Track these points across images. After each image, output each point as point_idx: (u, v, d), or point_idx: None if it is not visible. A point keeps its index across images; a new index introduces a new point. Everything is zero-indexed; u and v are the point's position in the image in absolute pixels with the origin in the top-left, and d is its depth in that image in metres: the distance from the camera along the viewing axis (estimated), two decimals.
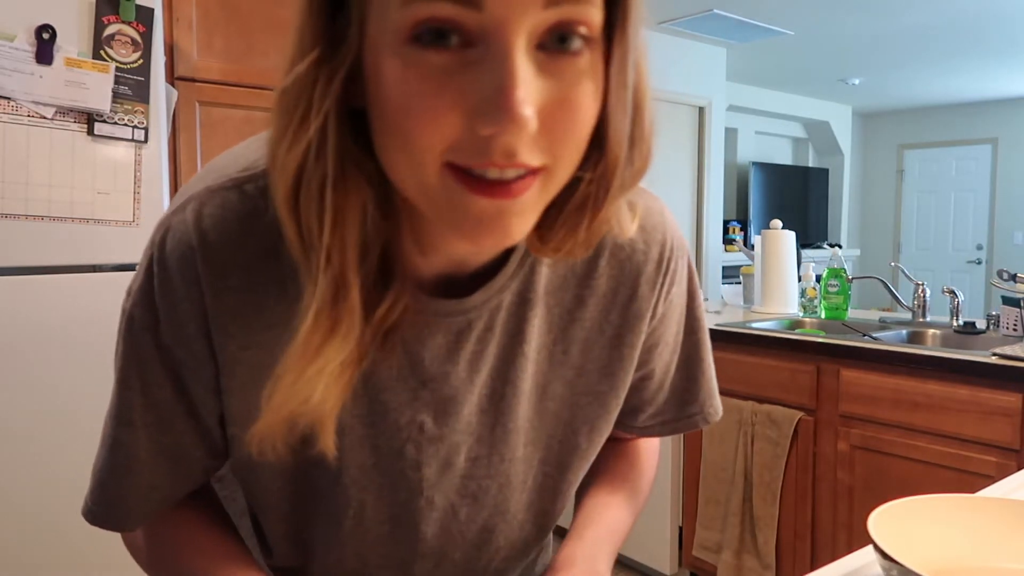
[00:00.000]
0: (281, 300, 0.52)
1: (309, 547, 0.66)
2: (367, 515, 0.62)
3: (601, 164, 0.47)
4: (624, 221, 0.55)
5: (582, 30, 0.42)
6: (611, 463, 0.76)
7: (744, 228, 6.69)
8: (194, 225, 0.53)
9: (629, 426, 0.74)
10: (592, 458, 0.69)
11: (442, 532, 0.65)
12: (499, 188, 0.42)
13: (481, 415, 0.61)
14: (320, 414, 0.48)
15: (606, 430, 0.68)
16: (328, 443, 0.50)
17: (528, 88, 0.41)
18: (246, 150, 0.55)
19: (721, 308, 3.03)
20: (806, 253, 3.56)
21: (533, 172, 0.43)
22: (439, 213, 0.45)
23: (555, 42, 0.42)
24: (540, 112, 0.42)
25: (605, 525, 0.71)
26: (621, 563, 2.85)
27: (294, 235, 0.46)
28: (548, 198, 0.46)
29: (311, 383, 0.47)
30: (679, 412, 0.73)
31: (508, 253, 0.57)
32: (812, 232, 7.32)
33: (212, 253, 0.52)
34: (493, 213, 0.43)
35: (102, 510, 0.62)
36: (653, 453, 0.81)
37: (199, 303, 0.54)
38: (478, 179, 0.42)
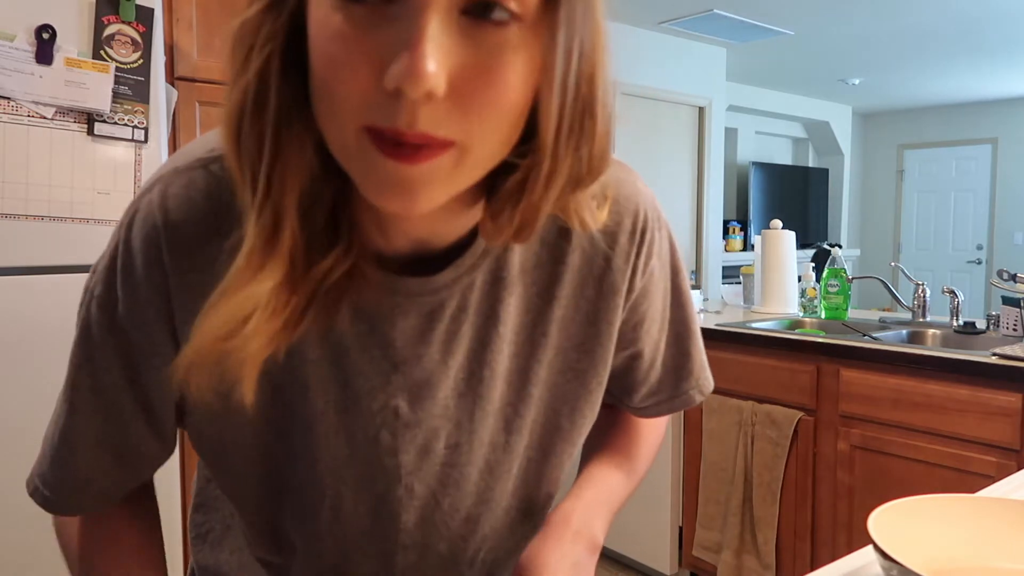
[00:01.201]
0: None
1: (288, 541, 0.64)
2: (345, 507, 0.61)
3: (533, 153, 0.46)
4: (586, 214, 0.53)
5: (511, 4, 0.41)
6: (613, 435, 0.76)
7: (744, 228, 6.69)
8: (159, 205, 0.53)
9: (626, 406, 0.74)
10: (577, 441, 0.68)
11: (424, 522, 0.63)
12: (404, 153, 0.42)
13: (459, 399, 0.60)
14: (243, 357, 0.47)
15: (589, 413, 0.67)
16: (247, 391, 0.48)
17: (437, 46, 0.40)
18: (215, 135, 0.54)
19: (721, 308, 3.03)
20: (806, 253, 3.55)
21: (442, 144, 0.42)
22: (355, 174, 0.45)
23: (479, 10, 0.41)
24: (454, 79, 0.41)
25: (605, 489, 0.71)
26: (621, 563, 2.85)
27: (238, 176, 0.47)
28: (467, 176, 0.45)
29: (234, 317, 0.46)
30: (675, 390, 0.73)
31: (476, 233, 0.56)
32: (812, 232, 7.32)
33: (176, 232, 0.53)
34: (399, 178, 0.43)
35: (37, 484, 0.63)
36: (655, 429, 0.80)
37: (162, 285, 0.54)
38: (388, 142, 0.42)
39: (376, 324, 0.56)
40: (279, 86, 0.44)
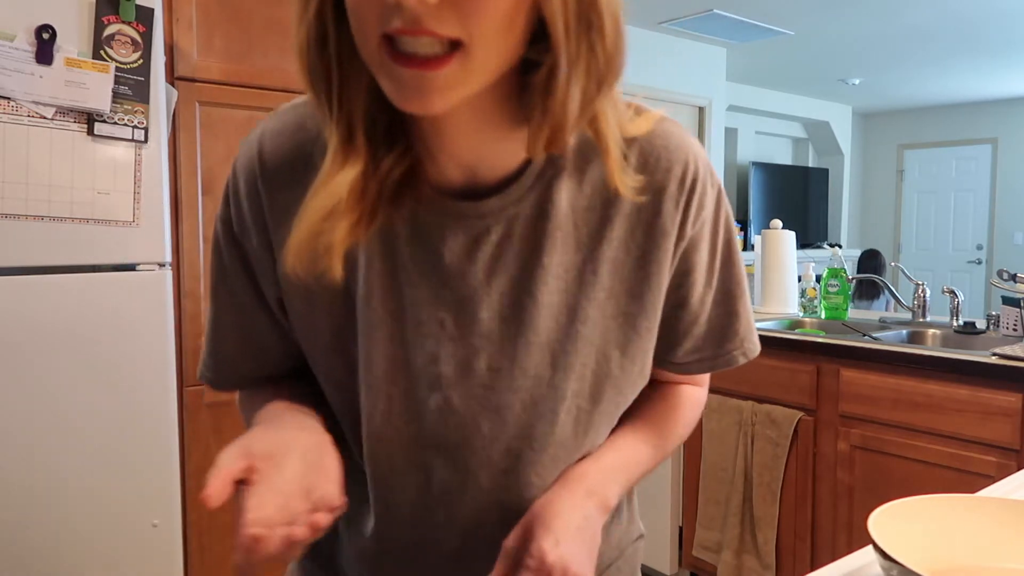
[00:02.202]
0: None
1: (349, 448, 0.70)
2: (394, 411, 0.65)
3: (548, 52, 0.51)
4: (621, 119, 0.59)
5: None
6: (649, 404, 0.76)
7: (744, 228, 6.70)
8: (257, 140, 0.66)
9: (667, 361, 0.73)
10: (628, 392, 0.69)
11: (465, 444, 0.65)
12: (417, 60, 0.49)
13: (501, 323, 0.63)
14: (330, 242, 0.56)
15: (640, 360, 0.68)
16: (336, 266, 0.57)
17: None
18: None
19: None
20: (806, 253, 3.55)
21: (449, 53, 0.49)
22: (382, 83, 0.52)
23: None
24: None
25: (627, 455, 0.71)
26: None
27: (314, 100, 0.56)
28: (477, 77, 0.51)
29: (324, 206, 0.56)
30: (718, 349, 0.73)
31: (526, 167, 0.62)
32: (812, 232, 7.32)
33: (267, 160, 0.64)
34: (415, 84, 0.50)
35: (202, 369, 0.76)
36: (695, 403, 0.79)
37: (258, 204, 0.65)
38: (403, 56, 0.49)
39: (428, 241, 0.62)
40: (335, 25, 0.53)
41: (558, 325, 0.64)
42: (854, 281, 4.84)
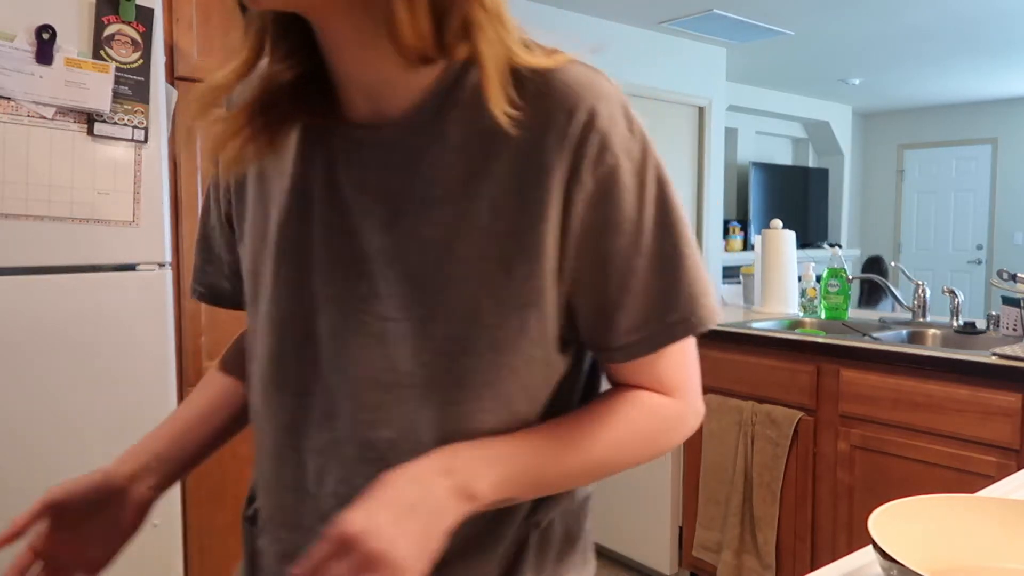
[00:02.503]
0: None
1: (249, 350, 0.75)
2: (271, 346, 0.69)
3: None
4: (515, 47, 0.60)
5: None
6: (587, 406, 0.67)
7: (744, 228, 6.69)
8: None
9: (608, 347, 0.65)
10: (511, 356, 0.63)
11: (333, 368, 0.65)
12: None
13: (382, 255, 0.64)
14: (230, 153, 0.65)
15: (521, 315, 0.62)
16: (231, 176, 0.72)
17: None
18: None
19: (721, 308, 3.04)
20: (806, 253, 3.55)
21: None
22: None
23: None
24: None
25: (520, 448, 0.63)
26: (621, 563, 2.85)
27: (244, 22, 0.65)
28: None
29: (208, 85, 0.65)
30: (658, 323, 0.64)
31: (428, 102, 0.63)
32: (812, 232, 7.32)
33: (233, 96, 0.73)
34: None
35: (194, 286, 0.86)
36: (654, 412, 0.67)
37: None
38: None
39: (333, 171, 0.66)
40: None
41: (433, 261, 0.62)
42: (858, 285, 4.84)
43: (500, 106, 0.58)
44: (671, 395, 0.68)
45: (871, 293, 4.01)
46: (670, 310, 0.64)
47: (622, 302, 0.63)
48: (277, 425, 0.69)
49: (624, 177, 0.61)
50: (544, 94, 0.60)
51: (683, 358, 0.68)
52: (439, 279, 0.62)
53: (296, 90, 0.65)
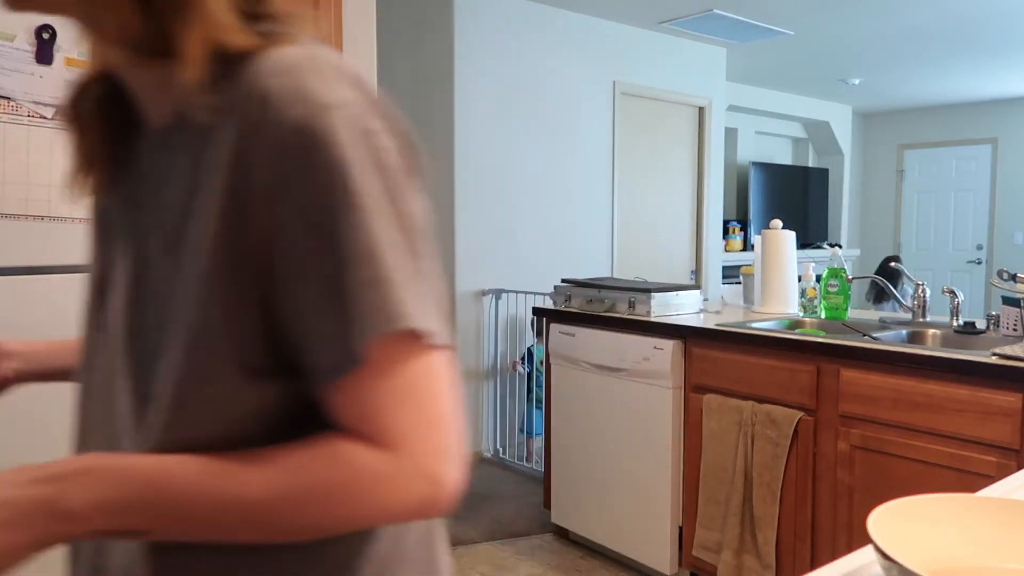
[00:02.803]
0: None
1: None
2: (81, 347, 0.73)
3: None
4: (224, 29, 0.56)
5: None
6: (269, 449, 0.55)
7: (744, 228, 6.69)
8: None
9: (314, 375, 0.55)
10: (174, 364, 0.56)
11: (107, 352, 0.66)
12: None
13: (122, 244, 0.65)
14: (75, 177, 0.68)
15: (187, 317, 0.56)
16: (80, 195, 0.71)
17: None
18: None
19: (721, 308, 3.03)
20: (806, 253, 3.55)
21: None
22: None
23: None
24: None
25: (152, 469, 0.53)
26: (621, 563, 2.85)
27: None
28: None
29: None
30: (323, 356, 0.54)
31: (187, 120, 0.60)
32: (812, 232, 7.32)
33: None
34: None
35: None
36: (347, 463, 0.53)
37: None
38: None
39: (128, 170, 0.66)
40: None
41: (137, 249, 0.63)
42: (868, 284, 4.82)
43: (191, 92, 0.56)
44: (386, 447, 0.53)
45: (880, 291, 4.00)
46: (332, 342, 0.54)
47: (301, 328, 0.55)
48: None
49: (300, 186, 0.53)
50: (240, 79, 0.55)
51: (406, 398, 0.54)
52: (138, 272, 0.63)
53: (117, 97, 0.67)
